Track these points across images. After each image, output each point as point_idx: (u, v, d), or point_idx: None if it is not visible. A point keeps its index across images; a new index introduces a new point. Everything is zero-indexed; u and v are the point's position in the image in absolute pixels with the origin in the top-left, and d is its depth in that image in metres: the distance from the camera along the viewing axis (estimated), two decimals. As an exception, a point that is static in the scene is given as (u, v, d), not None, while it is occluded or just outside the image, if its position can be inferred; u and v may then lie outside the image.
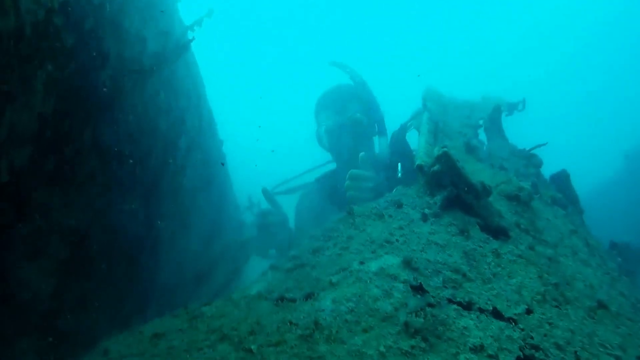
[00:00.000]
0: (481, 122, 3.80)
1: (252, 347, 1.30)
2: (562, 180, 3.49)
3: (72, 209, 2.23)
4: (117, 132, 2.56)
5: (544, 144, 3.69)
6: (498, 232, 2.35)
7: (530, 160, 3.44)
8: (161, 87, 3.00)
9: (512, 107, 4.15)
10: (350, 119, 4.27)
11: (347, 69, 4.66)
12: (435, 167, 2.41)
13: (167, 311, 3.25)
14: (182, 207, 3.67)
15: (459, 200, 2.40)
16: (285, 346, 1.33)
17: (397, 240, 1.96)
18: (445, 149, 2.40)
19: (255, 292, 1.64)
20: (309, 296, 1.57)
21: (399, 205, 2.31)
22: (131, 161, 2.71)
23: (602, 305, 2.15)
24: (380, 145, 4.40)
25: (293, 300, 1.55)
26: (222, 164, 5.29)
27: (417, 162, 2.52)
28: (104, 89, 2.38)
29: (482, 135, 3.77)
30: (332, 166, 4.90)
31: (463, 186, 2.40)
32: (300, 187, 5.06)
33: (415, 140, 3.71)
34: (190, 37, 3.16)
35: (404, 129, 4.25)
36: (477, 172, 2.92)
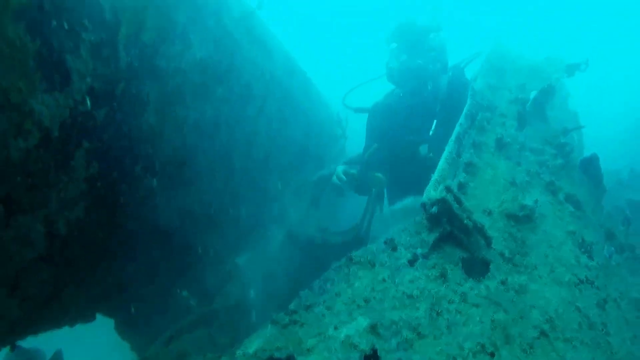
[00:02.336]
0: (533, 93, 3.97)
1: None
2: (591, 164, 3.75)
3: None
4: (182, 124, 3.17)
5: (580, 127, 3.88)
6: (481, 265, 2.90)
7: (561, 149, 3.68)
8: (218, 83, 3.44)
9: (574, 68, 4.19)
10: (417, 65, 4.60)
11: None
12: (433, 209, 2.91)
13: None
14: (259, 153, 4.38)
15: (452, 236, 2.94)
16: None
17: (374, 298, 2.59)
18: (443, 195, 2.86)
19: (252, 351, 2.37)
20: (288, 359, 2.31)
21: (394, 248, 2.87)
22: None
23: (543, 334, 2.68)
24: (441, 83, 4.78)
25: (275, 365, 2.29)
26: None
27: (423, 198, 3.00)
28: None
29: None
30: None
31: (457, 224, 2.91)
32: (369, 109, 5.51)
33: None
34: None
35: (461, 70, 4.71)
36: (490, 184, 3.33)
